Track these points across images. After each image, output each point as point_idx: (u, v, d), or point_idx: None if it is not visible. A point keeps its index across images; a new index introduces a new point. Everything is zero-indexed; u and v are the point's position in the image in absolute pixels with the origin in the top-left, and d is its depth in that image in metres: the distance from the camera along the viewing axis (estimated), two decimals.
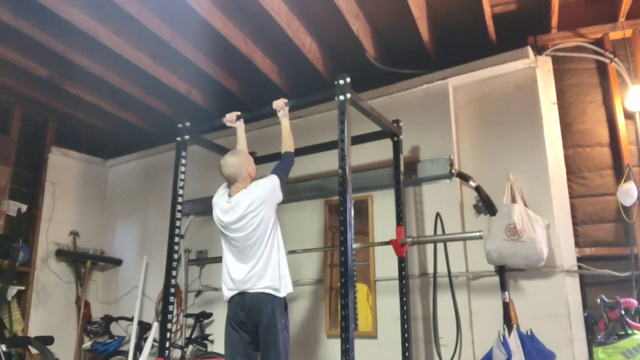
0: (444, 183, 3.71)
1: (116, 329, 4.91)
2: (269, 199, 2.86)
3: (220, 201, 2.98)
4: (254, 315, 2.80)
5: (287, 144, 3.08)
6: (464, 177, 3.64)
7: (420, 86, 3.97)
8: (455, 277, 3.54)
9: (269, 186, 2.88)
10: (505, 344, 3.16)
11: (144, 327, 4.71)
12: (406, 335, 3.32)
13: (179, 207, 3.39)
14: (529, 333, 3.19)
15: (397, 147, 3.58)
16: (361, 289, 3.89)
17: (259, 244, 2.84)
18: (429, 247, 3.67)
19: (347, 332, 2.49)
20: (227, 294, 2.92)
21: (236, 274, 2.88)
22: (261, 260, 2.83)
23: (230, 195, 2.95)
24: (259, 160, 4.17)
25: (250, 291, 2.82)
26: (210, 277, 4.73)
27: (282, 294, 2.84)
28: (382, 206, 3.90)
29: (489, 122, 3.74)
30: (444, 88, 3.87)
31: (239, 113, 3.34)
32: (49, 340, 4.28)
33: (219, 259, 4.26)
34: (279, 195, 2.91)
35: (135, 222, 5.52)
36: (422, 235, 3.72)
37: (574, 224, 3.45)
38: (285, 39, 3.82)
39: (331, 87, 2.86)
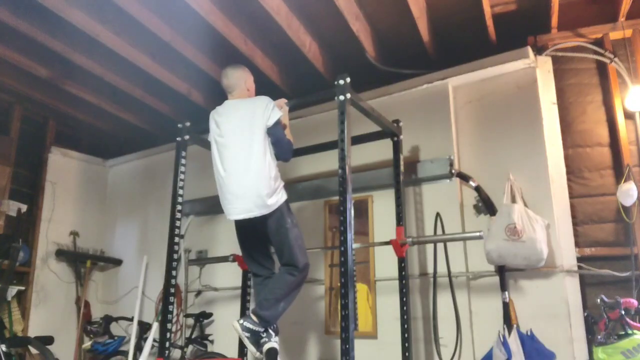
0: (444, 183, 3.71)
1: (116, 329, 4.90)
2: (262, 114, 2.91)
3: (217, 111, 3.14)
4: (259, 226, 2.91)
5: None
6: (464, 177, 3.64)
7: (420, 86, 3.97)
8: (455, 277, 3.54)
9: (265, 102, 2.95)
10: (505, 344, 3.15)
11: (144, 327, 4.70)
12: (406, 335, 3.32)
13: (179, 207, 3.38)
14: (529, 333, 3.19)
15: (397, 147, 3.58)
16: (361, 289, 3.89)
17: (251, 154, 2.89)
18: (429, 247, 3.67)
19: (347, 332, 2.49)
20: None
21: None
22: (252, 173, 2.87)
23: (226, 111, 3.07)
24: None
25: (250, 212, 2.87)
26: (210, 277, 4.73)
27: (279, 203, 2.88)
28: (382, 206, 3.90)
29: (489, 122, 3.74)
30: (444, 88, 3.87)
31: None
32: (49, 340, 4.27)
33: (219, 259, 4.31)
34: (272, 118, 2.92)
35: (135, 222, 5.52)
36: (422, 235, 3.72)
37: (574, 224, 3.45)
38: (286, 39, 3.82)
39: (331, 87, 2.86)
